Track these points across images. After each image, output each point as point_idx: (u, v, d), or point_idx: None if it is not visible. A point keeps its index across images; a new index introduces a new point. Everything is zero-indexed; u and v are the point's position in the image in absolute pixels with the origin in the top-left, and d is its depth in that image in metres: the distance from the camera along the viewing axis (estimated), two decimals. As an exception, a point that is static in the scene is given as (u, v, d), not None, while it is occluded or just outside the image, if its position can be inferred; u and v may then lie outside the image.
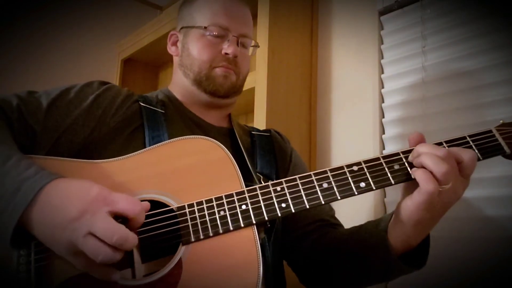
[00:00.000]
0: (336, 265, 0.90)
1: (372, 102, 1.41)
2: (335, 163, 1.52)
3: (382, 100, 1.41)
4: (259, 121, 1.42)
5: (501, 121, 0.80)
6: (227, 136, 1.03)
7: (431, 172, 0.69)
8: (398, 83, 1.37)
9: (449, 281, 1.12)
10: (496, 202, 1.09)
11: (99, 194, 0.63)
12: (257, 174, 0.97)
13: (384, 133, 1.39)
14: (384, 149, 1.37)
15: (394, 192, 1.29)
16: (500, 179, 1.09)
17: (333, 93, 1.56)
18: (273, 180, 0.97)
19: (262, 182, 0.93)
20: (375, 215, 1.32)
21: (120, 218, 0.64)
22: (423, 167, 0.71)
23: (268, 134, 1.10)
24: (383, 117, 1.40)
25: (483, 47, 1.19)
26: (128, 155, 0.79)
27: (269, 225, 0.77)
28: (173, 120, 0.97)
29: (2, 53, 2.11)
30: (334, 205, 1.00)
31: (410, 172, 0.73)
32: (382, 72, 1.43)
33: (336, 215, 1.04)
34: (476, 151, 0.75)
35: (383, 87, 1.41)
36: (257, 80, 1.46)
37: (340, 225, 1.02)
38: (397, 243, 0.78)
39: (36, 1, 2.24)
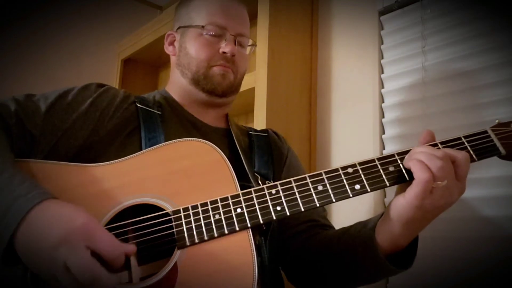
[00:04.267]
0: (324, 265, 0.90)
1: (372, 102, 1.41)
2: (335, 163, 1.54)
3: (382, 100, 1.41)
4: (259, 121, 1.42)
5: (496, 121, 0.78)
6: (224, 137, 1.03)
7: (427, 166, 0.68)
8: (398, 83, 1.37)
9: (449, 281, 1.12)
10: (496, 202, 1.09)
11: (83, 225, 0.61)
12: (255, 174, 0.97)
13: (384, 133, 1.38)
14: (384, 149, 1.37)
15: (394, 192, 1.28)
16: (499, 179, 1.09)
17: (333, 93, 1.56)
18: (270, 180, 0.98)
19: (260, 182, 0.94)
20: (375, 214, 1.31)
21: None
22: None
23: (265, 134, 1.11)
24: (383, 117, 1.40)
25: (483, 47, 1.18)
26: (123, 158, 0.79)
27: (264, 228, 0.76)
28: (170, 121, 0.97)
29: (2, 53, 2.10)
30: (334, 204, 0.99)
31: (404, 165, 0.72)
32: (382, 72, 1.43)
33: (335, 215, 1.05)
34: (471, 152, 0.74)
35: (383, 87, 1.41)
36: (257, 80, 1.46)
37: (331, 227, 1.02)
38: (385, 242, 0.77)
39: (36, 1, 2.23)
